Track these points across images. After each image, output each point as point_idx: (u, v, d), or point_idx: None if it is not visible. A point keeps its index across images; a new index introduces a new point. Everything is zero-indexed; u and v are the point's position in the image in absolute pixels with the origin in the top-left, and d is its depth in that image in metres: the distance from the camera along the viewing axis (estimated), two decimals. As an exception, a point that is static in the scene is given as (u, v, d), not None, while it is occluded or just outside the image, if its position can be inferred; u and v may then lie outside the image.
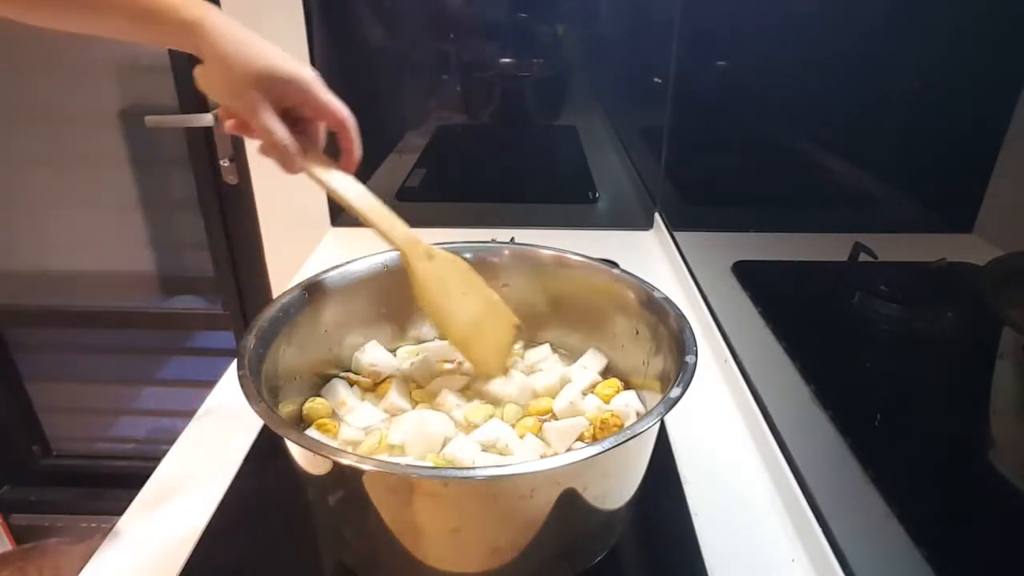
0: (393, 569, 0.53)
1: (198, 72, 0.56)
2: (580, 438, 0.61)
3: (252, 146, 1.29)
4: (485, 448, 0.59)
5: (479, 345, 0.66)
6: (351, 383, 0.69)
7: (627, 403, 0.64)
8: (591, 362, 0.70)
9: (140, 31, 0.55)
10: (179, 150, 1.38)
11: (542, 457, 0.59)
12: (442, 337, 0.64)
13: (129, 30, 0.55)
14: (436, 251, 0.64)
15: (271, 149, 0.56)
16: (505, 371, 0.67)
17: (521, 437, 0.61)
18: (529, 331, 0.75)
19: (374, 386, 0.69)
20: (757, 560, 0.61)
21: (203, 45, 0.53)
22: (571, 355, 0.73)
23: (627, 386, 0.68)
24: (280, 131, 0.55)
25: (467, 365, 0.71)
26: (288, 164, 0.57)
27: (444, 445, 0.60)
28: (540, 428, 0.62)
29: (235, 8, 1.15)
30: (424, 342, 0.76)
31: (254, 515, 0.65)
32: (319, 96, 0.56)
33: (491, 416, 0.64)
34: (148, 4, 0.53)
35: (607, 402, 0.65)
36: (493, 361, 0.66)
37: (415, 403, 0.67)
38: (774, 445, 0.70)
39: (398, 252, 0.62)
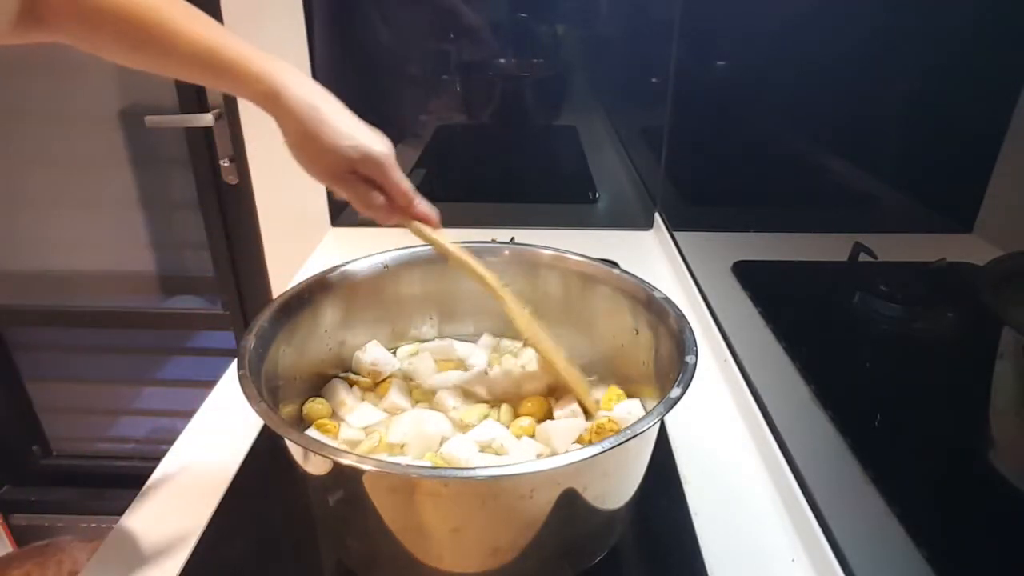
0: (393, 569, 0.53)
1: (285, 141, 0.58)
2: (579, 440, 0.61)
3: (252, 146, 1.29)
4: (482, 448, 0.59)
5: (575, 379, 0.66)
6: (351, 383, 0.69)
7: (629, 411, 0.63)
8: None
9: (219, 85, 0.57)
10: (179, 150, 1.38)
11: (539, 457, 0.59)
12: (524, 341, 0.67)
13: (210, 83, 0.57)
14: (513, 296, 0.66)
15: (367, 210, 0.60)
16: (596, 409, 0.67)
17: (518, 438, 0.61)
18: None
19: (374, 386, 0.69)
20: (757, 560, 0.61)
21: (282, 120, 0.56)
22: (569, 355, 0.73)
23: (628, 393, 0.67)
24: (376, 200, 0.60)
25: (475, 360, 0.72)
26: (384, 221, 0.62)
27: (441, 444, 0.60)
28: (534, 430, 0.62)
29: (235, 8, 1.15)
30: (424, 342, 0.76)
31: (254, 515, 0.65)
32: (390, 175, 0.59)
33: (485, 416, 0.64)
34: (223, 68, 0.54)
35: (609, 410, 0.65)
36: (587, 399, 0.66)
37: (415, 402, 0.67)
38: (774, 445, 0.70)
39: (491, 293, 0.64)
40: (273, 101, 0.55)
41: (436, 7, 1.18)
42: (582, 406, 0.65)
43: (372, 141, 0.58)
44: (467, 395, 0.67)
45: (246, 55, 0.54)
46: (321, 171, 0.58)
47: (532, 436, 0.62)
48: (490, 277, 0.64)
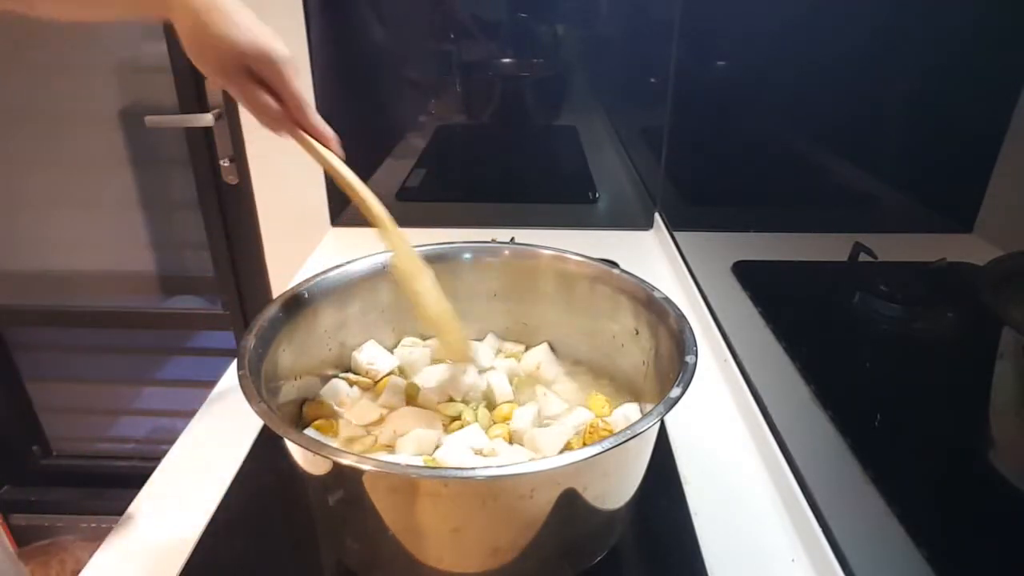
0: (393, 569, 0.53)
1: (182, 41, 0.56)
2: (568, 446, 0.60)
3: (252, 146, 1.29)
4: (475, 454, 0.59)
5: (448, 330, 0.65)
6: (351, 383, 0.69)
7: (626, 415, 0.63)
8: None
9: (119, 5, 0.56)
10: (179, 150, 1.38)
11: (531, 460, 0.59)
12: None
13: (124, 7, 0.56)
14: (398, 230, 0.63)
15: (257, 114, 0.57)
16: (469, 359, 0.67)
17: (491, 440, 0.61)
18: (528, 332, 0.75)
19: (374, 385, 0.69)
20: (757, 560, 0.61)
21: (176, 15, 0.53)
22: (570, 356, 0.73)
23: (627, 394, 0.67)
24: (270, 104, 0.56)
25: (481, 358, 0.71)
26: (275, 129, 0.58)
27: (435, 443, 0.60)
28: (509, 436, 0.62)
29: (235, 8, 1.15)
30: (429, 338, 0.76)
31: (254, 515, 0.65)
32: (288, 81, 0.57)
33: (460, 412, 0.64)
34: None
35: (602, 416, 0.64)
36: (462, 347, 0.66)
37: (408, 397, 0.67)
38: (774, 445, 0.70)
39: (374, 222, 0.61)
40: None
41: (434, 3, 1.18)
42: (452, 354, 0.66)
43: (272, 40, 0.55)
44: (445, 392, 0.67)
45: None
46: (211, 64, 0.54)
47: (509, 442, 0.62)
48: (376, 205, 0.61)
